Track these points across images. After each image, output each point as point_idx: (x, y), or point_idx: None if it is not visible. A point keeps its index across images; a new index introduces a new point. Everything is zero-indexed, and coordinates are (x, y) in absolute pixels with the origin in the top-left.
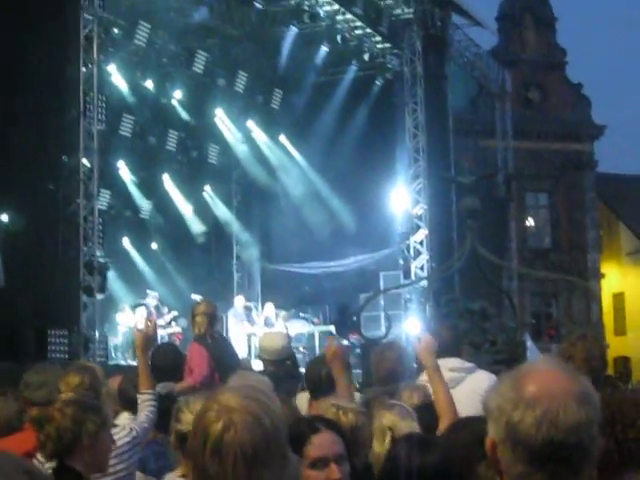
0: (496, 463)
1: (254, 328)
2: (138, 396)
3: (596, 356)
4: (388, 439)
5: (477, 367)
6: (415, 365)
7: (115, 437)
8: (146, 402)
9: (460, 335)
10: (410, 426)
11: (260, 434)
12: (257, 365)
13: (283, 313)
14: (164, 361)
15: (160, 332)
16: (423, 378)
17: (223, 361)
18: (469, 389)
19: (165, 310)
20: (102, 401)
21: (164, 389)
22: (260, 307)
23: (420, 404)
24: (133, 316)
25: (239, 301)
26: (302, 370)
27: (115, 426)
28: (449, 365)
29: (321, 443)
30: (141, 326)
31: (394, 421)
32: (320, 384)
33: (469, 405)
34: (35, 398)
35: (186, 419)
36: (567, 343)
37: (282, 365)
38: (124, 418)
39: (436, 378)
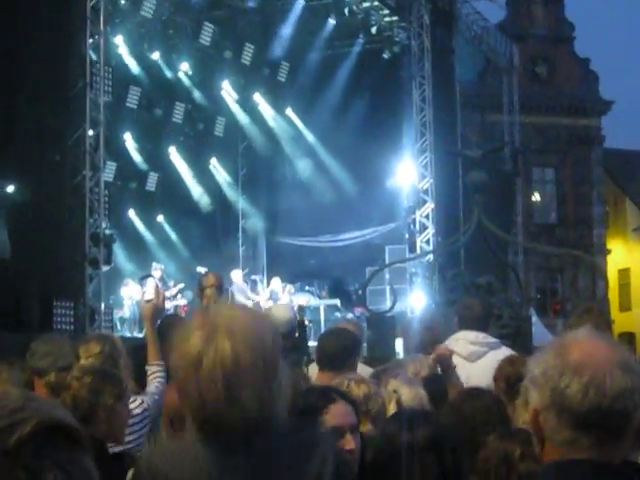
0: (539, 430)
1: (258, 298)
2: (147, 367)
3: (603, 329)
4: (393, 403)
5: (500, 343)
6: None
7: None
8: (155, 374)
9: (490, 311)
10: (415, 391)
11: (244, 350)
12: None
13: (288, 287)
14: (170, 333)
15: (166, 304)
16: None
17: None
18: (488, 365)
19: (170, 283)
20: (120, 371)
21: None
22: (265, 280)
23: (427, 375)
24: (139, 288)
25: (236, 275)
26: (309, 343)
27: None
28: (471, 338)
29: (337, 413)
30: (149, 297)
31: (398, 386)
32: (332, 357)
33: (486, 380)
34: (40, 366)
35: None
36: (574, 316)
37: (289, 337)
38: (150, 372)
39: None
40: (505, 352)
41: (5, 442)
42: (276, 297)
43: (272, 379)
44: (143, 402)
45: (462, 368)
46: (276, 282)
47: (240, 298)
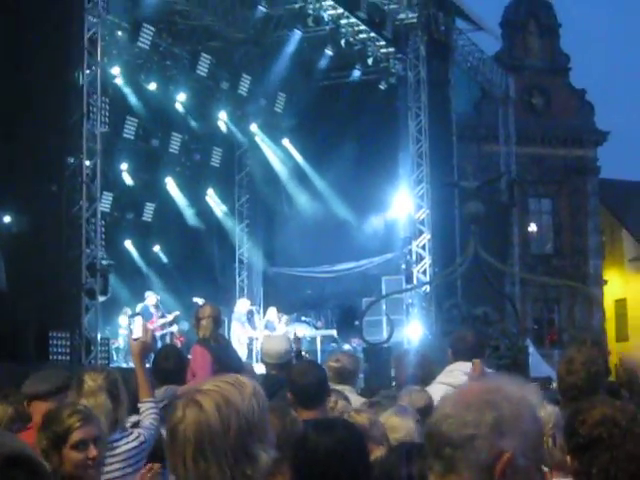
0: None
1: (255, 332)
2: (140, 405)
3: (596, 361)
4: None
5: (495, 374)
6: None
7: (123, 441)
8: (149, 410)
9: (483, 341)
10: (406, 425)
11: (205, 429)
12: (260, 368)
13: (284, 317)
14: (167, 364)
15: (160, 332)
16: (440, 379)
17: (226, 364)
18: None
19: (161, 312)
20: (120, 404)
21: (167, 392)
22: (262, 311)
23: (423, 406)
24: (132, 321)
25: (242, 304)
26: None
27: (124, 430)
28: (465, 369)
29: None
30: (137, 335)
31: (390, 419)
32: (309, 395)
33: None
34: (39, 391)
35: None
36: (571, 348)
37: (284, 369)
38: (145, 409)
39: None
40: None
41: None
42: (272, 327)
43: (245, 462)
44: (140, 435)
45: None
46: (272, 312)
47: (236, 327)
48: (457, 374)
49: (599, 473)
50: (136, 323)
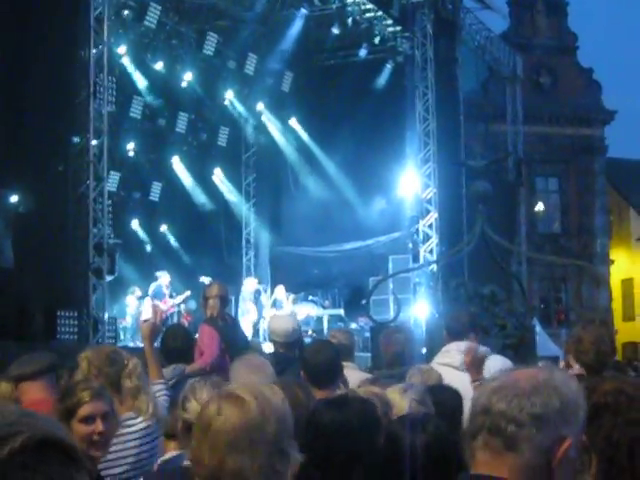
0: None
1: (262, 311)
2: (150, 387)
3: (605, 340)
4: None
5: (491, 352)
6: (424, 349)
7: (138, 420)
8: (159, 392)
9: (476, 319)
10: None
11: (244, 422)
12: (267, 347)
13: (291, 296)
14: (174, 343)
15: (172, 310)
16: (437, 360)
17: (234, 343)
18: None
19: (171, 292)
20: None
21: (175, 370)
22: (270, 289)
23: (435, 384)
24: (139, 303)
25: (250, 283)
26: None
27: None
28: (462, 348)
29: None
30: (147, 316)
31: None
32: (321, 375)
33: None
34: (25, 372)
35: (193, 408)
36: (578, 327)
37: (293, 347)
38: (154, 391)
39: None
40: (498, 360)
41: None
42: (280, 306)
43: (277, 459)
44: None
45: (455, 378)
46: (280, 291)
47: (242, 305)
48: (454, 354)
49: (602, 440)
50: (145, 305)
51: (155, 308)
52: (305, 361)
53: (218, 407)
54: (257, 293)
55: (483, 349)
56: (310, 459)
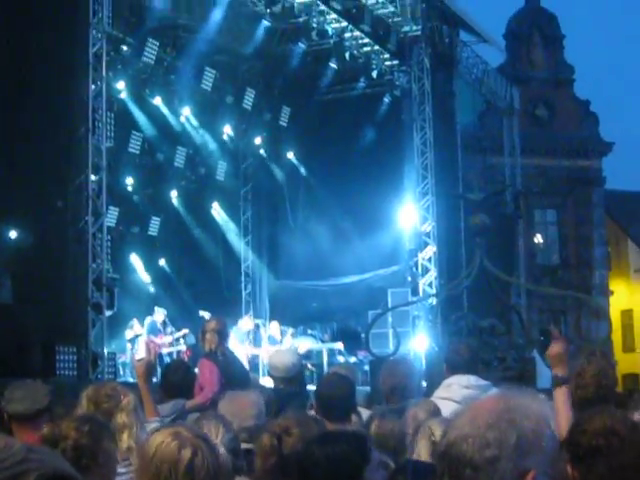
0: None
1: (257, 349)
2: (145, 426)
3: (607, 374)
4: (426, 440)
5: (492, 385)
6: (424, 383)
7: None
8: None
9: (476, 353)
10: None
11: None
12: (266, 382)
13: (290, 330)
14: (175, 378)
15: (168, 349)
16: (438, 394)
17: (233, 377)
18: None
19: (170, 329)
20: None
21: (175, 406)
22: (268, 324)
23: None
24: (138, 329)
25: (245, 323)
26: (311, 387)
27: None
28: (463, 382)
29: None
30: (141, 355)
31: (434, 428)
32: (337, 409)
33: None
34: (18, 411)
35: None
36: (580, 360)
37: (292, 382)
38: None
39: (561, 394)
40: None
41: None
42: (274, 341)
43: None
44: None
45: None
46: (274, 326)
47: (235, 343)
48: (455, 388)
49: None
50: (139, 343)
51: (149, 346)
52: (319, 394)
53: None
54: (256, 327)
55: (483, 383)
56: None
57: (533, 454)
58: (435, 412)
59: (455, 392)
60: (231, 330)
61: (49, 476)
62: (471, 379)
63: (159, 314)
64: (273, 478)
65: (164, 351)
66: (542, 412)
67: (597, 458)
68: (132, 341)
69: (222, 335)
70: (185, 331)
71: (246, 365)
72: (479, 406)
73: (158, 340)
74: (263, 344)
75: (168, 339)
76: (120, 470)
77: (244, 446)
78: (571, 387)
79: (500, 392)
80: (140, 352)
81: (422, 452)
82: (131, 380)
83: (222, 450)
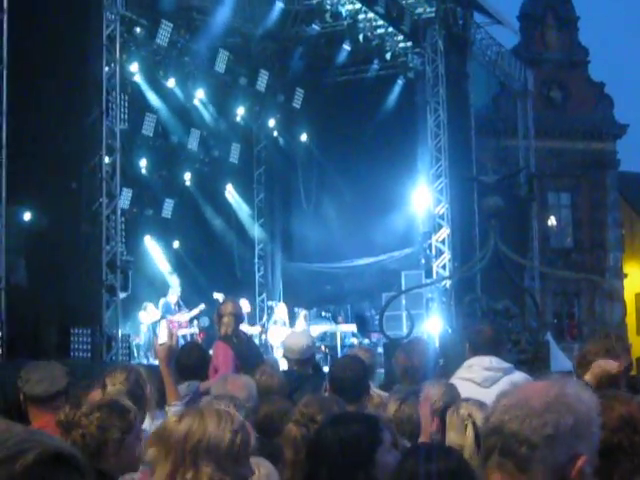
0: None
1: (253, 329)
2: (167, 408)
3: (621, 354)
4: (470, 428)
5: (513, 368)
6: (441, 362)
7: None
8: (177, 413)
9: (502, 334)
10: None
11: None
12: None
13: (303, 312)
14: (189, 360)
15: (183, 331)
16: (459, 375)
17: (248, 360)
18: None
19: (183, 310)
20: (146, 401)
21: (190, 387)
22: (276, 306)
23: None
24: (158, 313)
25: (281, 309)
26: (326, 369)
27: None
28: (485, 364)
29: None
30: (163, 340)
31: (471, 410)
32: (348, 389)
33: None
34: (35, 392)
35: None
36: (591, 343)
37: (307, 364)
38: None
39: None
40: (519, 376)
41: (10, 469)
42: (282, 324)
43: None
44: None
45: (476, 394)
46: (282, 308)
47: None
48: (476, 369)
49: None
50: (161, 327)
51: (171, 330)
52: (333, 376)
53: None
54: (270, 309)
55: (506, 366)
56: (313, 476)
57: (585, 440)
58: (451, 393)
59: (476, 373)
60: (273, 317)
61: (50, 454)
62: (493, 360)
63: (172, 295)
64: (308, 468)
65: (179, 333)
66: (593, 400)
67: (620, 456)
68: (153, 326)
69: (238, 318)
70: (202, 306)
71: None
72: (532, 388)
73: (176, 318)
74: (271, 325)
75: (185, 317)
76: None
77: None
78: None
79: (551, 379)
80: (162, 336)
81: (452, 434)
82: (145, 362)
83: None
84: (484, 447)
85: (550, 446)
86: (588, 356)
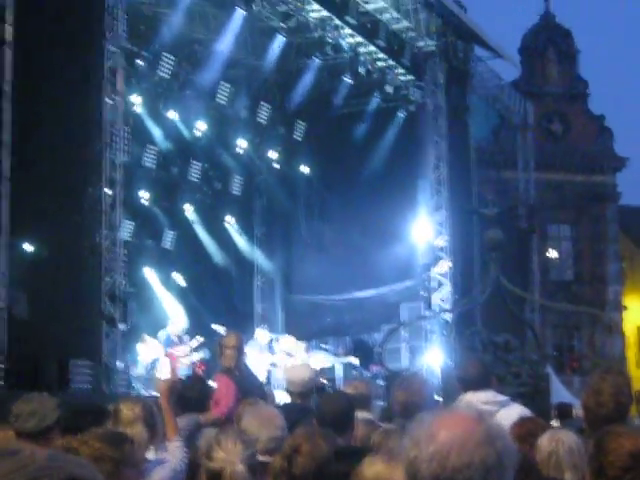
0: None
1: (274, 358)
2: (167, 444)
3: (625, 391)
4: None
5: (510, 400)
6: (439, 398)
7: (159, 468)
8: (177, 448)
9: (489, 368)
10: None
11: None
12: (281, 396)
13: (302, 345)
14: (191, 392)
15: (183, 360)
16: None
17: (249, 393)
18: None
19: (187, 338)
20: (157, 432)
21: (190, 420)
22: (279, 339)
23: None
24: (156, 344)
25: (262, 335)
26: None
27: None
28: (482, 398)
29: None
30: (165, 376)
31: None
32: (334, 422)
33: None
34: (26, 428)
35: (219, 457)
36: (596, 377)
37: (308, 396)
38: (173, 447)
39: None
40: (516, 409)
41: None
42: (289, 356)
43: None
44: (174, 465)
45: None
46: (289, 340)
47: (254, 355)
48: (475, 404)
49: None
50: (162, 362)
51: (173, 366)
52: (318, 410)
53: None
54: (270, 342)
55: (502, 399)
56: None
57: (510, 469)
58: None
59: (475, 409)
60: (250, 342)
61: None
62: (489, 395)
63: (172, 326)
64: None
65: (183, 361)
66: (505, 429)
67: None
68: (153, 362)
69: (240, 351)
70: (200, 339)
71: (264, 377)
72: (459, 427)
73: (176, 351)
74: (277, 357)
75: (185, 350)
76: None
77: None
78: (590, 405)
79: (461, 411)
80: (163, 371)
81: None
82: (144, 393)
83: (240, 467)
84: None
85: None
86: (604, 396)
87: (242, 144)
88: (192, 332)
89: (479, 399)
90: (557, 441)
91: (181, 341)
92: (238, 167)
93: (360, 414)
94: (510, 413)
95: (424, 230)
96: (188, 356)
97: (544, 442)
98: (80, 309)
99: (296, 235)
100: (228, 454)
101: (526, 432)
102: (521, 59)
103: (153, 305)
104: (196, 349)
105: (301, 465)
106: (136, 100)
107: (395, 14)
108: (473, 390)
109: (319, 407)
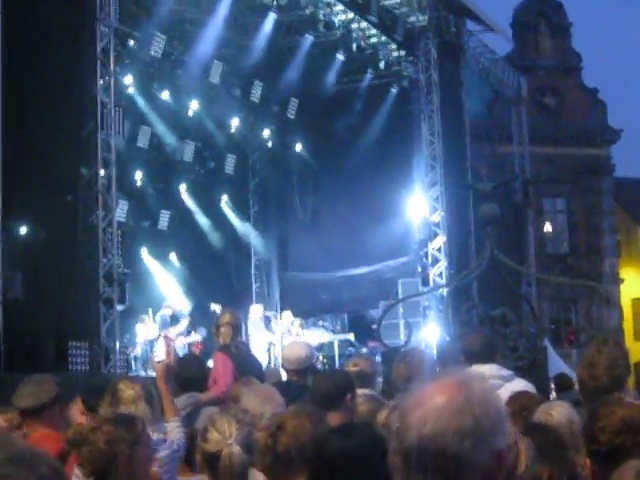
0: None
1: (273, 337)
2: (165, 425)
3: (620, 364)
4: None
5: (514, 375)
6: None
7: (160, 447)
8: (175, 428)
9: (494, 341)
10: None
11: None
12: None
13: (297, 321)
14: (188, 372)
15: (179, 342)
16: None
17: (248, 371)
18: (503, 398)
19: (184, 319)
20: (155, 411)
21: (190, 399)
22: (279, 316)
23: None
24: (154, 326)
25: (256, 310)
26: None
27: (160, 437)
28: (487, 372)
29: None
30: (161, 357)
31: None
32: (324, 398)
33: None
34: (25, 405)
35: (213, 438)
36: (591, 349)
37: (304, 374)
38: (171, 427)
39: None
40: (519, 384)
41: None
42: (288, 332)
43: None
44: (172, 443)
45: None
46: (287, 316)
47: (255, 334)
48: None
49: None
50: (159, 345)
51: (169, 347)
52: (312, 388)
53: None
54: (267, 320)
55: (506, 373)
56: None
57: (501, 434)
58: None
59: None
60: (247, 320)
61: None
62: (493, 369)
63: (167, 308)
64: (270, 476)
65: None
66: (496, 393)
67: (620, 456)
68: (151, 343)
69: (236, 328)
70: (185, 322)
71: (264, 354)
72: (441, 395)
73: (171, 333)
74: (276, 335)
75: (176, 331)
76: None
77: None
78: (584, 377)
79: (451, 377)
80: (160, 353)
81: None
82: (143, 374)
83: (236, 448)
84: (417, 465)
85: (475, 455)
86: (598, 369)
87: (235, 123)
88: (192, 313)
89: (484, 373)
90: (548, 415)
91: (177, 322)
92: (232, 146)
93: (362, 392)
94: (514, 388)
95: (419, 206)
96: (183, 337)
97: (536, 416)
98: (77, 290)
99: (291, 213)
100: (223, 435)
101: (520, 407)
102: (513, 33)
103: (150, 286)
104: (191, 329)
105: (284, 443)
106: (128, 81)
107: None
108: (477, 363)
109: (312, 385)
